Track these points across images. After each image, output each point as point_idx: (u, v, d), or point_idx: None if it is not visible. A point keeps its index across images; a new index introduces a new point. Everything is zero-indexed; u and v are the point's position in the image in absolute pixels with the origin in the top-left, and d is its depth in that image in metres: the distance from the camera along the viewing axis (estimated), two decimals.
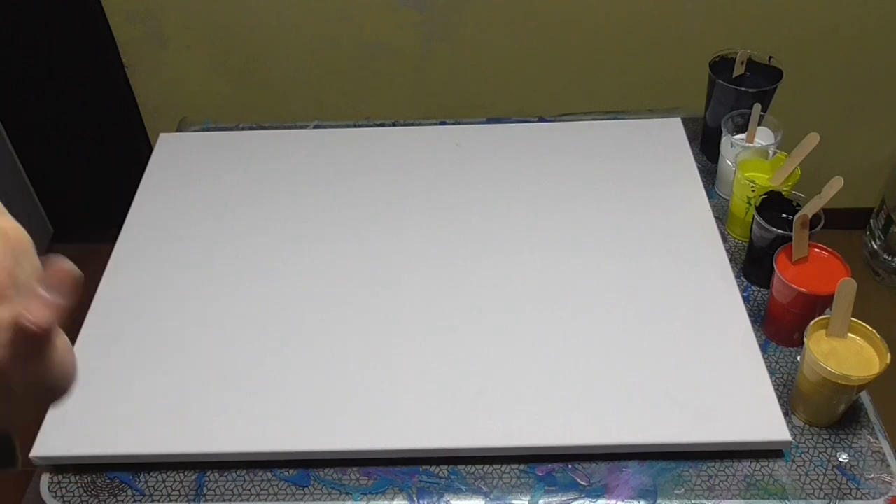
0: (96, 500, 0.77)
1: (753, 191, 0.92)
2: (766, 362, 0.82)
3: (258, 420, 0.79)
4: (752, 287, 0.93)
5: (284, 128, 1.19)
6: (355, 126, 1.19)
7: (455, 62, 1.72)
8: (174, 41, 1.70)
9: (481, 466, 0.77)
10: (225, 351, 0.85)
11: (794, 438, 0.78)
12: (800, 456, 0.77)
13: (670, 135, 1.12)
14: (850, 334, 0.77)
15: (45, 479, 0.79)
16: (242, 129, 1.21)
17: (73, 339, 0.88)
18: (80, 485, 0.78)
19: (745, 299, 0.91)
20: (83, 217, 2.04)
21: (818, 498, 0.74)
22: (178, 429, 0.79)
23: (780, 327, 0.86)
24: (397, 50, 1.70)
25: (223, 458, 0.78)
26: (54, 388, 0.40)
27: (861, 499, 0.74)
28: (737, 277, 0.92)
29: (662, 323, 0.86)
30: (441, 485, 0.76)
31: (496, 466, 0.77)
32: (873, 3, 1.60)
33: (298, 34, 1.68)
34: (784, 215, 0.90)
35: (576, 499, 0.75)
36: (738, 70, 1.06)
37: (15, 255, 0.37)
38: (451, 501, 0.75)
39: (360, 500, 0.75)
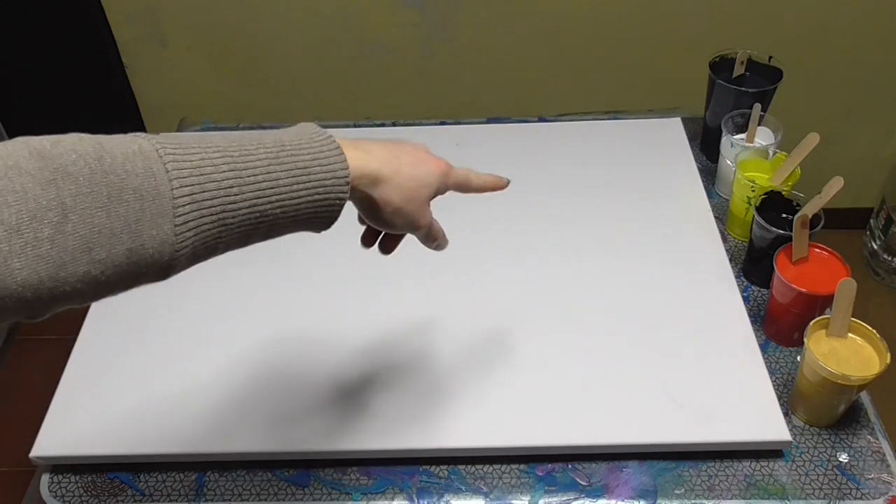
0: (96, 500, 0.77)
1: (753, 191, 0.92)
2: (766, 362, 0.82)
3: (258, 420, 0.79)
4: (752, 287, 0.93)
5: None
6: (355, 126, 1.19)
7: (455, 62, 1.72)
8: (174, 41, 1.70)
9: (481, 466, 0.77)
10: (225, 351, 0.85)
11: (794, 438, 0.78)
12: (800, 456, 0.77)
13: (670, 135, 1.12)
14: (850, 334, 0.77)
15: (45, 479, 0.79)
16: (242, 129, 1.21)
17: (72, 340, 0.88)
18: (80, 485, 0.78)
19: (745, 299, 0.91)
20: None
21: (818, 498, 0.74)
22: (178, 429, 0.79)
23: (780, 327, 0.86)
24: (397, 50, 1.70)
25: (223, 458, 0.78)
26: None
27: (861, 499, 0.74)
28: (737, 277, 0.92)
29: (662, 323, 0.86)
30: (441, 485, 0.76)
31: (496, 466, 0.77)
32: (873, 3, 1.60)
33: (298, 34, 1.68)
34: (784, 215, 0.90)
35: (576, 499, 0.75)
36: (738, 70, 1.06)
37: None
38: (451, 501, 0.75)
39: (360, 500, 0.75)
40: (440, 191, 0.63)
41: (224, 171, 0.46)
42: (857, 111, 1.79)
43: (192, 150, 0.46)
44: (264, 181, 0.48)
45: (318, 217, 0.53)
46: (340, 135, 1.28)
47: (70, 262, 0.40)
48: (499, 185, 0.70)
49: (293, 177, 0.49)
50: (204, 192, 0.45)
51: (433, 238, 0.65)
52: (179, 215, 0.44)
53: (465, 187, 0.66)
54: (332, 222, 0.54)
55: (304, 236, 0.98)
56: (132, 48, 1.72)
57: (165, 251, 0.44)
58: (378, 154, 0.57)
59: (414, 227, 0.62)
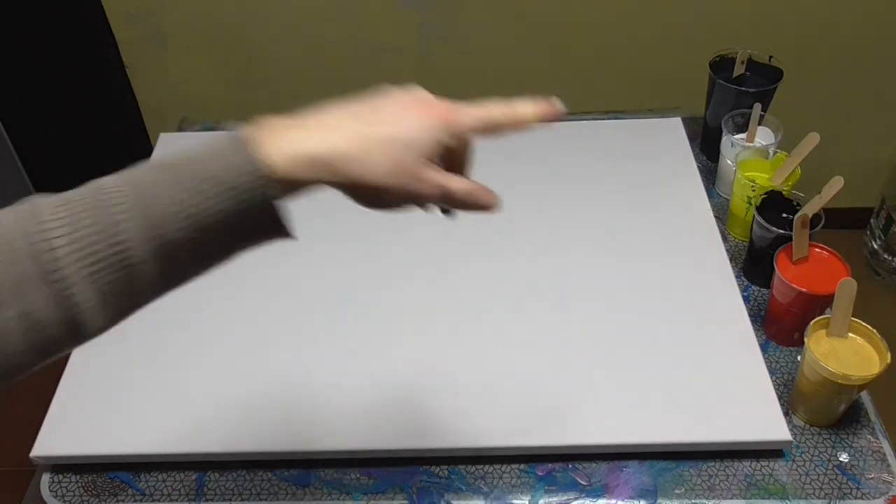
0: (96, 500, 0.77)
1: (753, 190, 0.92)
2: (766, 362, 0.82)
3: (258, 420, 0.79)
4: (752, 287, 0.93)
5: None
6: None
7: (455, 62, 1.72)
8: (174, 41, 1.70)
9: (481, 466, 0.77)
10: (225, 350, 0.85)
11: (794, 438, 0.78)
12: (800, 456, 0.77)
13: (670, 135, 1.12)
14: (850, 334, 0.77)
15: (45, 479, 0.79)
16: None
17: None
18: (80, 485, 0.78)
19: (745, 299, 0.90)
20: None
21: (818, 498, 0.74)
22: (178, 429, 0.79)
23: (780, 327, 0.86)
24: (397, 50, 1.70)
25: (223, 458, 0.78)
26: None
27: (861, 499, 0.74)
28: (737, 277, 0.92)
29: (663, 323, 0.86)
30: (441, 485, 0.76)
31: (496, 466, 0.77)
32: (873, 2, 1.60)
33: (298, 34, 1.68)
34: (784, 215, 0.90)
35: (576, 499, 0.75)
36: (738, 70, 1.06)
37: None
38: (451, 501, 0.75)
39: (360, 500, 0.75)
40: (443, 143, 0.49)
41: (117, 214, 0.42)
42: (857, 111, 1.79)
43: (78, 210, 0.42)
44: (169, 205, 0.43)
45: (257, 224, 0.45)
46: None
47: None
48: (550, 113, 0.52)
49: (198, 192, 0.43)
50: (87, 246, 0.41)
51: (460, 202, 0.50)
52: (56, 270, 0.40)
53: (488, 127, 0.51)
54: (281, 226, 0.46)
55: (302, 237, 0.98)
56: (132, 48, 1.72)
57: (60, 307, 0.41)
58: (332, 129, 0.48)
59: (417, 199, 0.49)
